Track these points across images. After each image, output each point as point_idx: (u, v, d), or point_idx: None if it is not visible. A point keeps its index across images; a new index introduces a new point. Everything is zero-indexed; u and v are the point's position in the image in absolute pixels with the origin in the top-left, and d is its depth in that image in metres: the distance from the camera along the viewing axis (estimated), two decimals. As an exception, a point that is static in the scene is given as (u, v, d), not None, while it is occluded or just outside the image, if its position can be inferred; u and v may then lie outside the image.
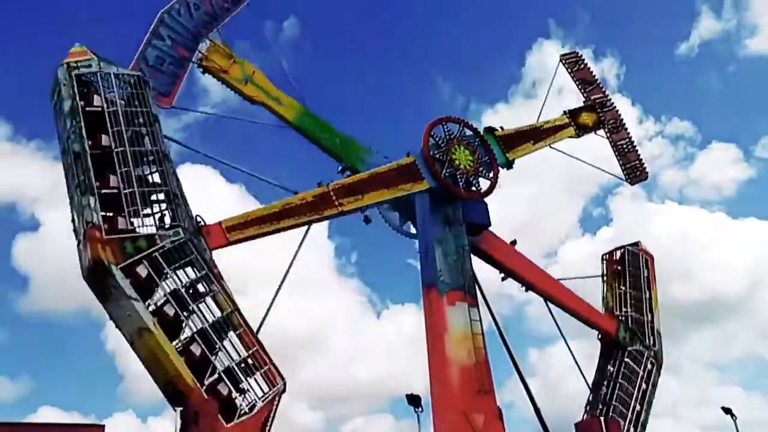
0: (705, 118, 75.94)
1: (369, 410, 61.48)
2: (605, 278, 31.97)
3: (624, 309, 30.88)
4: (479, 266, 26.44)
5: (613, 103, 34.99)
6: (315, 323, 54.19)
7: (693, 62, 75.33)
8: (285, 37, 64.94)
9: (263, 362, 18.70)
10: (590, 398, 28.86)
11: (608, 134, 34.49)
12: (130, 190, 18.67)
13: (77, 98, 19.41)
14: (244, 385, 18.20)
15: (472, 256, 25.40)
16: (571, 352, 28.88)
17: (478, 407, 21.65)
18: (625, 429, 27.64)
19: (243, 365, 18.47)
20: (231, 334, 18.70)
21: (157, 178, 19.78)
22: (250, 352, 18.65)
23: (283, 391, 18.66)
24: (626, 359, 29.52)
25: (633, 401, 28.82)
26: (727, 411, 27.34)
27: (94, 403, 58.20)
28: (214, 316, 18.57)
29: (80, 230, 18.23)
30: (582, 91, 34.81)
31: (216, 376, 17.77)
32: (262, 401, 18.15)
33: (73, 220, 18.91)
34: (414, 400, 22.29)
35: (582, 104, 34.29)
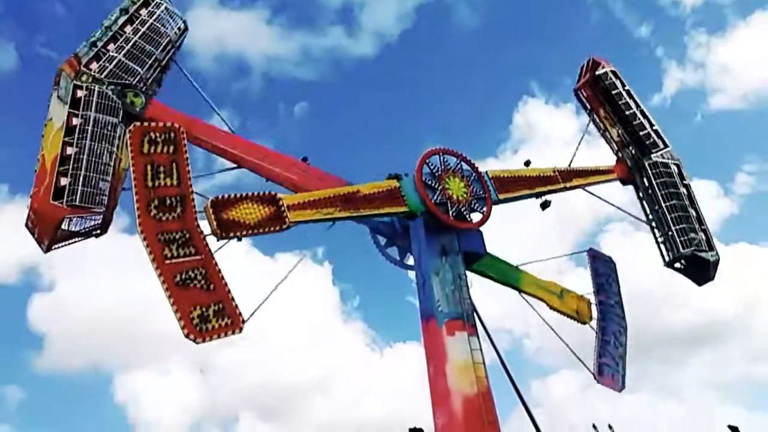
0: (684, 159, 79.30)
1: (374, 447, 62.03)
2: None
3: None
4: (478, 299, 26.34)
5: None
6: (325, 368, 57.85)
7: (666, 112, 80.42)
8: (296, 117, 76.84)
9: None
10: None
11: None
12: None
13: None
14: None
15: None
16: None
17: (482, 438, 21.32)
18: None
19: None
20: None
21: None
22: None
23: None
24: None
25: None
26: (734, 429, 27.00)
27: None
28: None
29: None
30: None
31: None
32: None
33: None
34: (417, 433, 22.07)
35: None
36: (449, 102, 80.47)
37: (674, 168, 33.44)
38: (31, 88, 71.57)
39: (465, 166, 27.22)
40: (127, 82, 24.30)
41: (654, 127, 33.86)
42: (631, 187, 34.29)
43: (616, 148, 34.26)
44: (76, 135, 22.43)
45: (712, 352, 66.30)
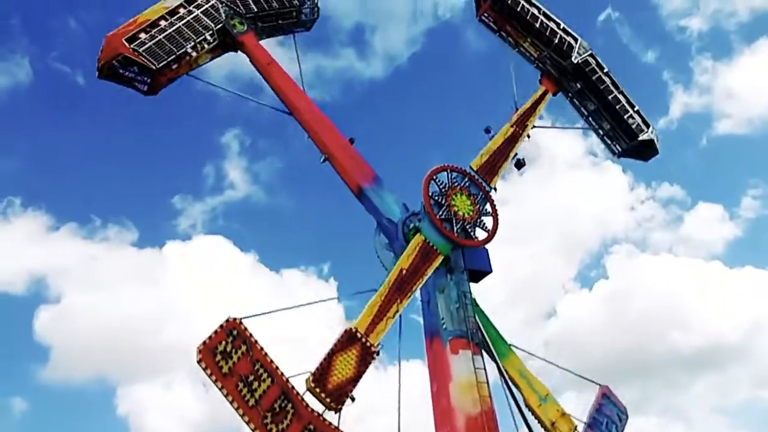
0: (690, 182, 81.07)
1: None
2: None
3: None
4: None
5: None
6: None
7: (673, 134, 79.62)
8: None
9: None
10: None
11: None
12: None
13: None
14: None
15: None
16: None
17: (485, 458, 20.63)
18: None
19: None
20: None
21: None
22: None
23: None
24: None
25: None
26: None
27: (110, 465, 61.04)
28: None
29: None
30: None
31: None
32: None
33: None
34: (420, 453, 21.78)
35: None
36: (457, 123, 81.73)
37: (592, 61, 33.16)
38: (45, 102, 72.50)
39: (454, 175, 25.74)
40: (240, 11, 28.25)
41: (562, 27, 32.99)
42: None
43: (535, 60, 33.29)
44: (174, 17, 26.37)
45: (718, 375, 65.64)
